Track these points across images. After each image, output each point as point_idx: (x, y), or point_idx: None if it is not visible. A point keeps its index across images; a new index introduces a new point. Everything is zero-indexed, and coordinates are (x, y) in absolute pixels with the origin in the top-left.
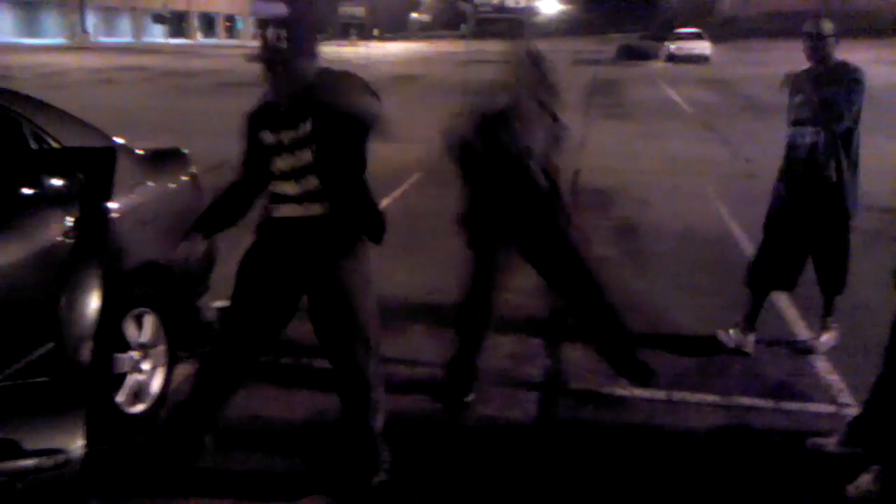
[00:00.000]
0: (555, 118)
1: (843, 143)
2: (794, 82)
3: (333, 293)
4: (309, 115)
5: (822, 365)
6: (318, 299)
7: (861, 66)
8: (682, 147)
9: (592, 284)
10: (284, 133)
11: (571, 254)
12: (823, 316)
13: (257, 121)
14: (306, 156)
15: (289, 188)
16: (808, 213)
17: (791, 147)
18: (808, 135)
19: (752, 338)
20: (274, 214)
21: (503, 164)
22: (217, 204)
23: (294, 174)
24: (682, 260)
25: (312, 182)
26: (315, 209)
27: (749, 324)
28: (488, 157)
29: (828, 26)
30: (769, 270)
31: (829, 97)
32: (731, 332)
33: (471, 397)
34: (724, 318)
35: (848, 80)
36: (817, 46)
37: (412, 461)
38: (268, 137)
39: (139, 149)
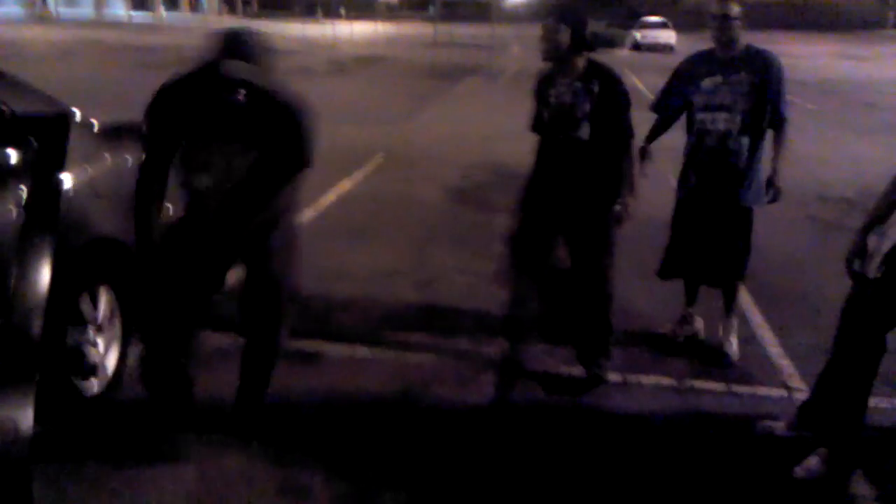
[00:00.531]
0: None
1: (756, 132)
2: (696, 65)
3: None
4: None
5: (774, 350)
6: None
7: (772, 51)
8: (644, 133)
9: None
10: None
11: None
12: (727, 317)
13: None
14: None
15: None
16: (715, 202)
17: (700, 133)
18: (722, 121)
19: (695, 323)
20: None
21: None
22: None
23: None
24: (645, 246)
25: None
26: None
27: (688, 308)
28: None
29: (735, 8)
30: (680, 259)
31: (750, 83)
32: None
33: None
34: (681, 302)
35: (763, 66)
36: (724, 27)
37: (370, 441)
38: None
39: (96, 121)
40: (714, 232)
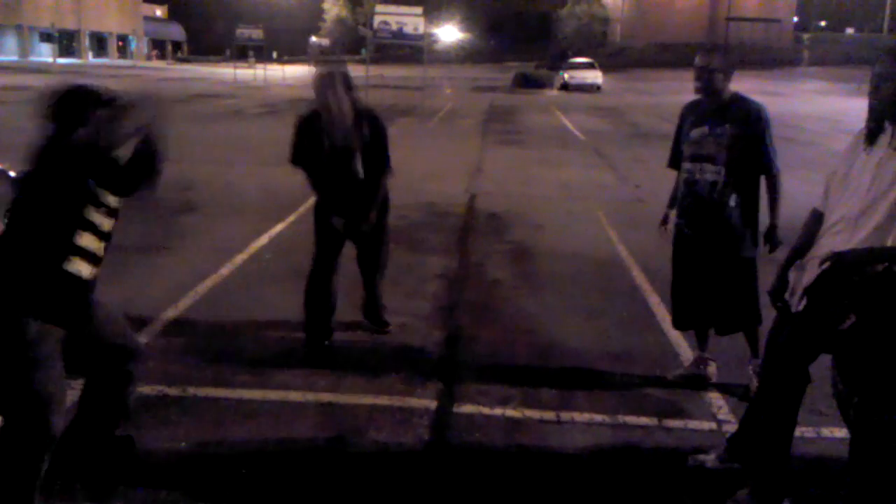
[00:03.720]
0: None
1: (747, 183)
2: (689, 114)
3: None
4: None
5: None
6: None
7: (758, 101)
8: (575, 173)
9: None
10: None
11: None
12: (753, 358)
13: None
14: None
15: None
16: (712, 252)
17: (689, 183)
18: (709, 172)
19: (709, 367)
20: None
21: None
22: None
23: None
24: (574, 282)
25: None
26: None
27: (700, 351)
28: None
29: (717, 60)
30: (688, 309)
31: (732, 135)
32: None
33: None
34: (613, 338)
35: (747, 118)
36: (706, 79)
37: (304, 489)
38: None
39: (12, 171)
40: (717, 282)
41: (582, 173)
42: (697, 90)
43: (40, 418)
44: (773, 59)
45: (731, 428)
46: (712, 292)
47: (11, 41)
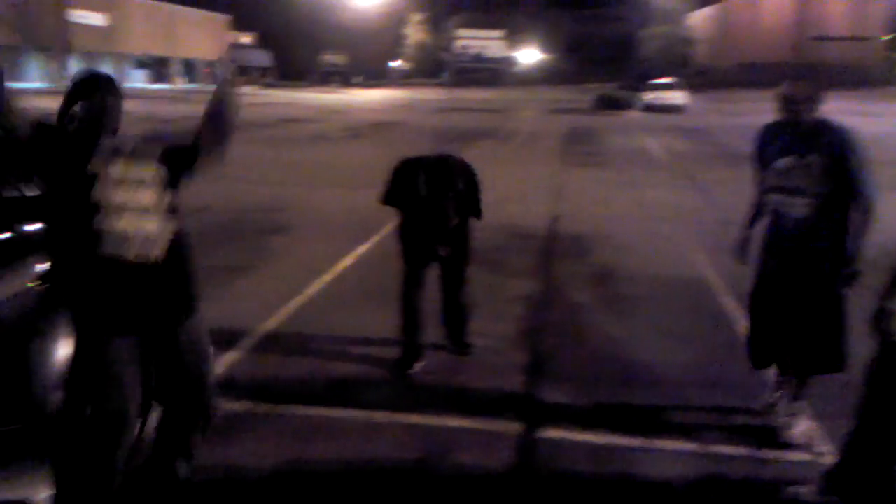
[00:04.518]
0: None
1: (839, 216)
2: (770, 139)
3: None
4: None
5: None
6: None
7: (846, 125)
8: (658, 194)
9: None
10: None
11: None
12: (795, 398)
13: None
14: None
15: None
16: (797, 286)
17: (775, 217)
18: (798, 206)
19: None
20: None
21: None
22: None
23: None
24: (659, 306)
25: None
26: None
27: (787, 395)
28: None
29: (805, 90)
30: (768, 346)
31: (823, 166)
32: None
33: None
34: (700, 364)
35: (835, 146)
36: (793, 110)
37: None
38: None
39: None
40: (803, 320)
41: (666, 195)
42: (785, 121)
43: (108, 434)
44: (863, 78)
45: (829, 459)
46: (796, 331)
47: (108, 68)
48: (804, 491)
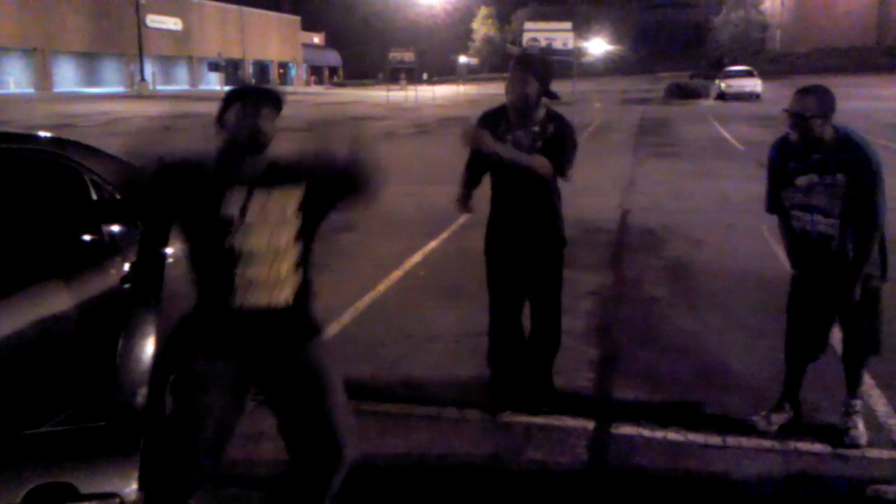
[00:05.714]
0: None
1: (864, 227)
2: (788, 154)
3: None
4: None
5: (882, 409)
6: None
7: (867, 142)
8: (735, 185)
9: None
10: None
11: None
12: (849, 398)
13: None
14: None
15: None
16: (830, 289)
17: (801, 234)
18: (822, 225)
19: (783, 416)
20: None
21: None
22: None
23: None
24: (737, 300)
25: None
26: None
27: (788, 397)
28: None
29: (812, 104)
30: (805, 346)
31: (847, 185)
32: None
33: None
34: (780, 360)
35: (858, 167)
36: (802, 127)
37: (465, 502)
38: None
39: None
40: (839, 313)
41: (742, 186)
42: (794, 139)
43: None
44: None
45: None
46: (837, 325)
47: (182, 71)
48: (889, 490)
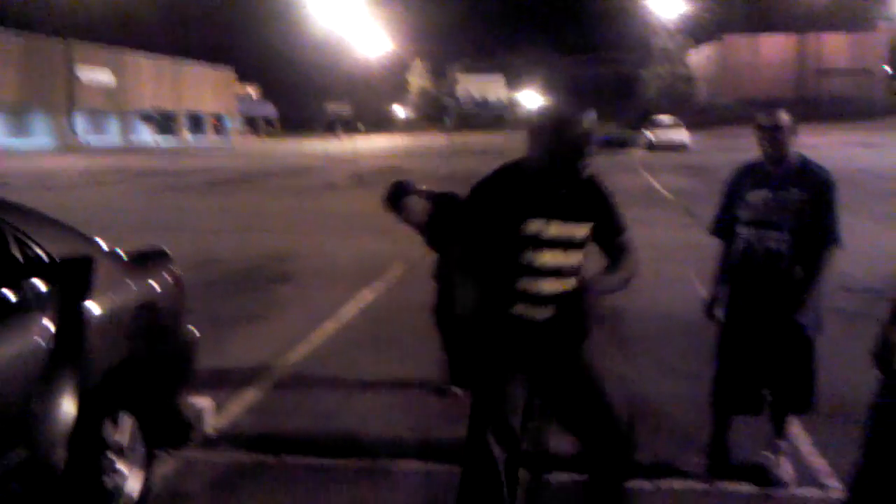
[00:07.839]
0: None
1: (811, 252)
2: (744, 177)
3: None
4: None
5: (806, 448)
6: None
7: (824, 165)
8: (664, 233)
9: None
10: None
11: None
12: (775, 438)
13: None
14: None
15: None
16: (768, 324)
17: (746, 252)
18: (771, 240)
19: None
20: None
21: None
22: None
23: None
24: (667, 345)
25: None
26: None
27: (716, 449)
28: None
29: (785, 118)
30: (735, 397)
31: (801, 200)
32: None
33: None
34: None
35: (818, 183)
36: (774, 139)
37: None
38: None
39: (121, 250)
40: (771, 359)
41: (671, 233)
42: (766, 153)
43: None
44: (865, 110)
45: (838, 495)
46: (766, 372)
47: (114, 124)
48: None
